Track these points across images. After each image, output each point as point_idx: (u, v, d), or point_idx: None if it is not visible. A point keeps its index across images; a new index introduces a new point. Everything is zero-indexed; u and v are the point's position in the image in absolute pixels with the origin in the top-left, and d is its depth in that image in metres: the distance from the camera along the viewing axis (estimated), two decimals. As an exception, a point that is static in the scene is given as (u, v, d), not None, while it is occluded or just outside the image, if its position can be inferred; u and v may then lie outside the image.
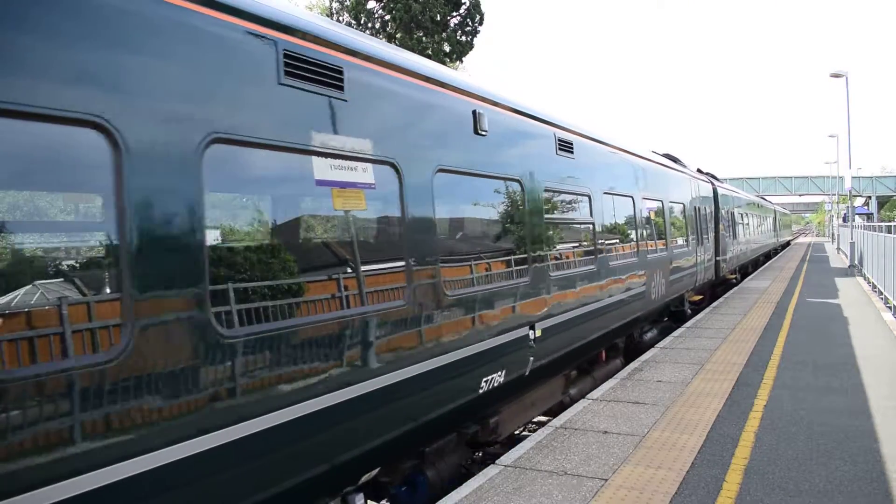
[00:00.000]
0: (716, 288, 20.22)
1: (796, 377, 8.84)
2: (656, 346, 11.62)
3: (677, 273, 13.81)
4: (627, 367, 10.02)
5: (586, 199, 8.76)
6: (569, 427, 7.01)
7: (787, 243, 60.80)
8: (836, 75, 31.02)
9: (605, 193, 9.41)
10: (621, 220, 10.36)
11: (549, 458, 6.07)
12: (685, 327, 13.59)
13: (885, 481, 5.29)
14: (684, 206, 15.06)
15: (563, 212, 8.25)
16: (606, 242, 9.26)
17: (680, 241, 14.35)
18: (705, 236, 17.24)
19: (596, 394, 8.41)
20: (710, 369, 9.44)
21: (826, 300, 17.56)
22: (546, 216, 7.39)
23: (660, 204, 12.71)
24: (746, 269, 27.75)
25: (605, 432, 6.78)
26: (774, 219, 43.09)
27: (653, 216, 12.28)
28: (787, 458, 5.86)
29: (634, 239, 10.76)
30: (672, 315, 15.08)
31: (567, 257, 8.11)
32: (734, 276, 23.36)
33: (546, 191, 7.46)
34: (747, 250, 26.90)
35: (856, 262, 27.60)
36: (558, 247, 7.87)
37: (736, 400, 7.80)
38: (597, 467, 5.82)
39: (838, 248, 46.73)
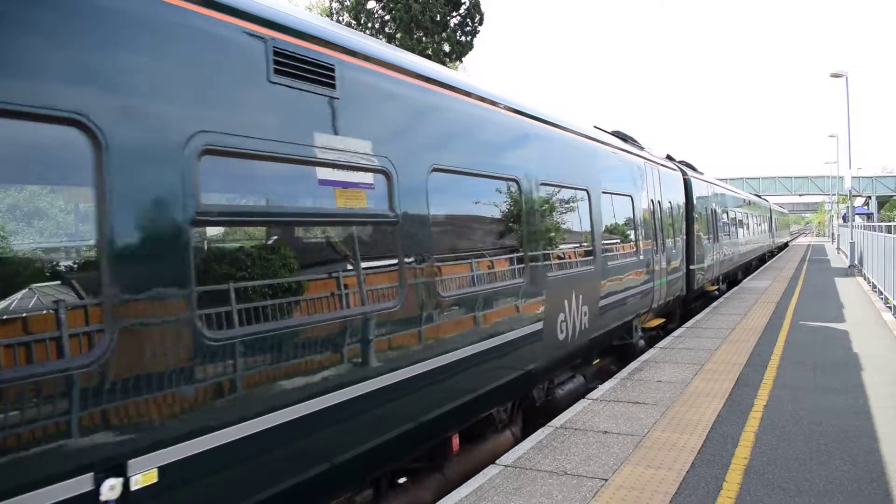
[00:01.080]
0: (689, 304, 16.62)
1: (797, 377, 8.84)
2: (656, 346, 11.59)
3: (617, 293, 10.07)
4: (627, 367, 9.96)
5: (380, 178, 4.91)
6: (569, 427, 7.01)
7: (785, 245, 60.14)
8: (836, 75, 31.07)
9: (434, 171, 5.53)
10: (485, 219, 6.73)
11: (549, 458, 6.07)
12: (685, 327, 13.55)
13: (885, 482, 5.29)
14: (632, 199, 11.29)
15: (284, 201, 4.32)
16: (438, 259, 5.48)
17: (622, 247, 10.61)
18: (669, 240, 13.74)
19: (596, 394, 8.39)
20: (710, 369, 9.45)
21: (826, 300, 17.57)
22: (200, 210, 3.45)
23: (582, 194, 8.94)
24: (735, 276, 24.80)
25: (605, 432, 6.78)
26: (770, 218, 40.76)
27: (566, 213, 8.54)
28: (788, 459, 5.86)
29: (520, 249, 7.01)
30: (614, 350, 11.18)
31: (291, 293, 4.13)
32: (716, 286, 19.89)
33: (208, 153, 3.52)
34: (734, 255, 23.27)
35: (856, 262, 27.61)
36: (260, 273, 3.89)
37: (736, 400, 7.80)
38: (597, 467, 5.82)
39: (838, 249, 46.75)
